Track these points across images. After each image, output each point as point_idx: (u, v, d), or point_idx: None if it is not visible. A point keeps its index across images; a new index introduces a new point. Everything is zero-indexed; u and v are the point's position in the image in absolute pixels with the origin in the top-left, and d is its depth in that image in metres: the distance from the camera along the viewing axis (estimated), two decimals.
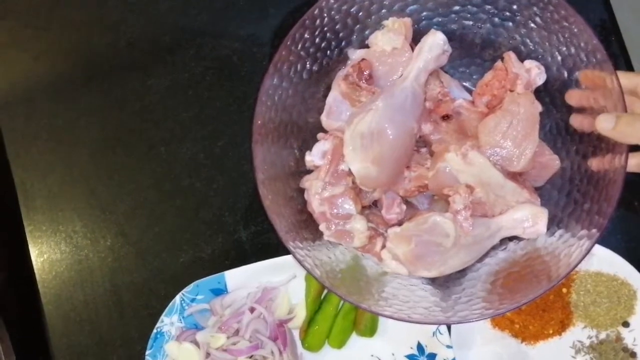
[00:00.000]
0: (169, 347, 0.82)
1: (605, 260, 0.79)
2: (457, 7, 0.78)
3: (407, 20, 0.78)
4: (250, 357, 0.80)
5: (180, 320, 0.83)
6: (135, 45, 0.95)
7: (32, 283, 0.92)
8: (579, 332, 0.80)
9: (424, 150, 0.80)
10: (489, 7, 0.76)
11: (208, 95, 0.94)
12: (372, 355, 0.82)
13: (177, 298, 0.83)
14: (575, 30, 0.70)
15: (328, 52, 0.79)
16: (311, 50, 0.78)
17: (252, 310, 0.82)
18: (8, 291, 0.93)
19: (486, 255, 0.76)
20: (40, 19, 0.97)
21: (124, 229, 0.91)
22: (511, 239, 0.76)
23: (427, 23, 0.80)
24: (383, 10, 0.78)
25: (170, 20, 0.96)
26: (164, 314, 0.83)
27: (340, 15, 0.77)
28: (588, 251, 0.66)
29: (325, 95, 0.80)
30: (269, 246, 0.86)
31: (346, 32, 0.79)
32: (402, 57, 0.79)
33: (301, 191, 0.78)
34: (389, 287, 0.74)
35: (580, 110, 0.73)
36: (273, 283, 0.83)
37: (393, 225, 0.76)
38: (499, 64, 0.78)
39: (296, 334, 0.83)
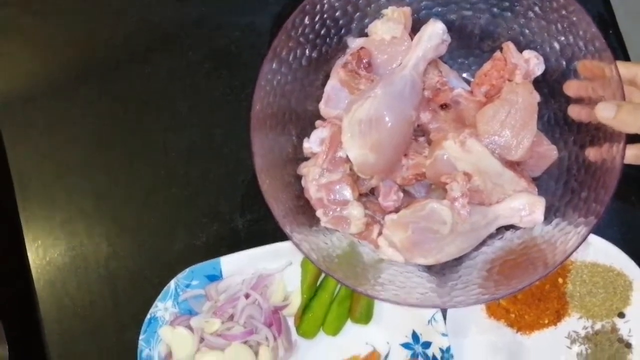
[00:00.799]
0: (163, 332, 0.81)
1: (602, 251, 0.79)
2: None
3: (407, 10, 0.79)
4: (245, 342, 0.80)
5: (174, 305, 0.83)
6: (134, 35, 0.95)
7: (25, 269, 0.91)
8: (574, 323, 0.80)
9: (422, 139, 0.80)
10: None
11: (206, 85, 0.94)
12: (366, 343, 0.82)
13: (172, 283, 0.83)
14: (574, 19, 0.70)
15: (327, 39, 0.79)
16: (310, 36, 0.78)
17: (247, 296, 0.81)
18: (1, 277, 0.92)
19: (483, 243, 0.76)
20: (37, 4, 0.97)
21: (118, 215, 0.90)
22: (508, 227, 0.76)
23: (427, 13, 0.80)
24: None
25: (169, 9, 0.96)
26: (158, 299, 0.83)
27: (340, 2, 0.77)
28: (584, 238, 0.66)
29: (324, 84, 0.80)
30: (265, 234, 0.86)
31: (346, 20, 0.79)
32: (401, 46, 0.79)
33: (299, 178, 0.78)
34: (386, 273, 0.73)
35: (579, 100, 0.73)
36: (269, 270, 0.83)
37: (390, 212, 0.76)
38: (497, 54, 0.78)
39: (291, 321, 0.83)
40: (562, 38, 0.73)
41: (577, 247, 0.67)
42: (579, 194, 0.72)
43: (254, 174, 0.72)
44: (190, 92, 0.93)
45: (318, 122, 0.80)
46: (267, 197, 0.72)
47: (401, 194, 0.77)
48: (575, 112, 0.74)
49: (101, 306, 0.88)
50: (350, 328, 0.83)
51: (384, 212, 0.77)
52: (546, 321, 0.79)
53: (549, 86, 0.77)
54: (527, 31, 0.77)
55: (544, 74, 0.76)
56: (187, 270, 0.83)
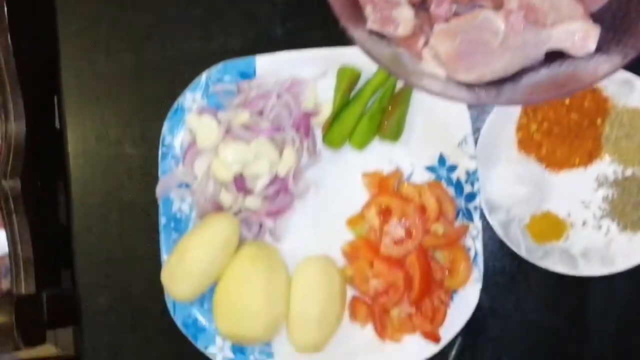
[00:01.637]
0: (189, 118, 0.80)
1: None
2: None
3: None
4: (271, 139, 0.79)
5: (203, 97, 0.82)
6: None
7: None
8: (605, 167, 0.79)
9: None
10: None
11: None
12: (391, 162, 0.81)
13: (203, 75, 0.81)
14: None
15: None
16: None
17: (278, 97, 0.80)
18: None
19: (528, 69, 0.74)
20: None
21: None
22: (555, 59, 0.74)
23: None
24: None
25: None
26: (187, 89, 0.81)
27: None
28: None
29: None
30: (303, 45, 0.83)
31: None
32: None
33: None
34: None
35: None
36: (303, 77, 0.81)
37: (440, 22, 0.73)
38: None
39: (318, 132, 0.82)
40: None
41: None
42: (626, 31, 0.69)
43: None
44: None
45: None
46: None
47: (454, 6, 0.75)
48: None
49: (127, 98, 0.87)
50: (377, 146, 0.82)
51: (432, 24, 0.75)
52: (577, 161, 0.78)
53: None
54: None
55: None
56: (221, 64, 0.81)
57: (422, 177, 0.80)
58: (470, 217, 0.77)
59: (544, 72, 0.75)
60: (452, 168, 0.79)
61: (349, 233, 0.81)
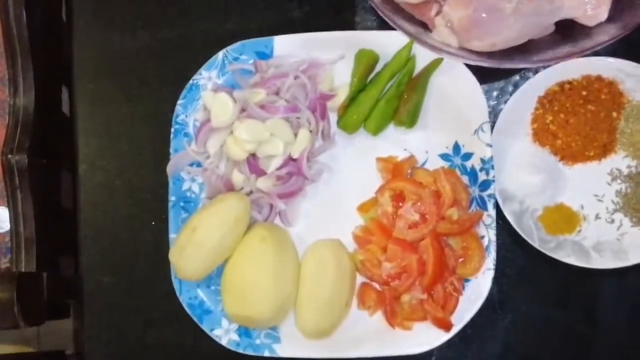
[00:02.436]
0: (205, 95, 0.80)
1: None
2: None
3: None
4: (286, 120, 0.78)
5: (218, 76, 0.81)
6: None
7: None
8: (619, 160, 0.79)
9: None
10: None
11: None
12: (405, 149, 0.81)
13: (220, 54, 0.81)
14: None
15: None
16: None
17: (295, 78, 0.79)
18: None
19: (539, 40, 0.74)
20: None
21: None
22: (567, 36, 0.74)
23: None
24: None
25: None
26: (203, 67, 0.81)
27: None
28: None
29: None
30: (320, 29, 0.83)
31: None
32: None
33: None
34: None
35: None
36: (321, 59, 0.81)
37: None
38: None
39: (333, 116, 0.82)
40: None
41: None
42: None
43: None
44: None
45: None
46: None
47: None
48: None
49: (139, 72, 0.87)
50: (391, 133, 0.81)
51: None
52: (592, 154, 0.78)
53: None
54: None
55: None
56: (238, 43, 0.81)
57: (435, 164, 0.80)
58: (484, 205, 0.77)
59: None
60: (467, 156, 0.78)
61: (359, 219, 0.81)
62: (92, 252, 0.85)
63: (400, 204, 0.77)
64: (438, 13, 0.72)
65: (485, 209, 0.77)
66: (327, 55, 0.81)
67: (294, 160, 0.79)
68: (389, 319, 0.76)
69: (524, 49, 0.73)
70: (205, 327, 0.79)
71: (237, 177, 0.79)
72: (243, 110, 0.78)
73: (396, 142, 0.81)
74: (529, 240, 0.77)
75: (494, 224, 0.76)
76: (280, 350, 0.78)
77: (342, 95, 0.81)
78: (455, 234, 0.76)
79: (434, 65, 0.78)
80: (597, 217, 0.79)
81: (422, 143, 0.81)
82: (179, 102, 0.81)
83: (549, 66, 0.77)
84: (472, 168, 0.78)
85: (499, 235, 0.77)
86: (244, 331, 0.79)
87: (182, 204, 0.81)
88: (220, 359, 0.80)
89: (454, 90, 0.79)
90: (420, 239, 0.75)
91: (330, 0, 0.85)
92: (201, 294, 0.80)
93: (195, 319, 0.79)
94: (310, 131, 0.79)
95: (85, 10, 0.89)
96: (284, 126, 0.77)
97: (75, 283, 0.86)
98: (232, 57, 0.81)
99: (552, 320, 0.80)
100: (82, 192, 0.86)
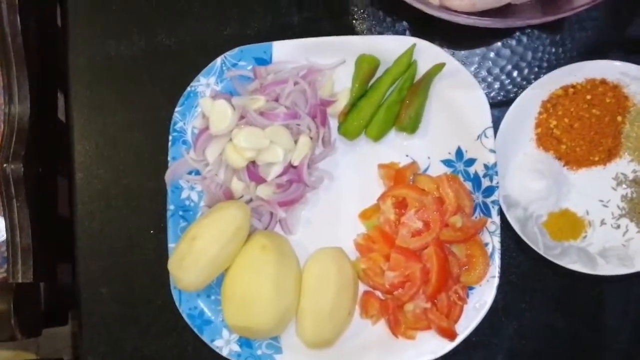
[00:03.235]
0: (203, 102, 0.78)
1: None
2: None
3: None
4: (286, 126, 0.77)
5: (217, 82, 0.80)
6: None
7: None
8: (624, 165, 0.78)
9: None
10: None
11: None
12: (407, 155, 0.80)
13: (219, 60, 0.80)
14: None
15: None
16: None
17: (295, 84, 0.78)
18: None
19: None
20: None
21: None
22: None
23: None
24: None
25: None
26: (201, 73, 0.80)
27: None
28: None
29: None
30: (319, 34, 0.82)
31: None
32: None
33: None
34: None
35: None
36: (321, 64, 0.80)
37: None
38: None
39: (334, 122, 0.80)
40: None
41: None
42: None
43: None
44: None
45: None
46: None
47: None
48: None
49: (135, 82, 0.85)
50: (393, 139, 0.80)
51: None
52: (596, 159, 0.77)
53: None
54: None
55: None
56: (237, 49, 0.80)
57: (438, 170, 0.79)
58: (488, 212, 0.76)
59: None
60: (470, 162, 0.77)
61: (361, 226, 0.80)
62: (90, 263, 0.84)
63: (403, 211, 0.76)
64: None
65: (489, 215, 0.75)
66: (327, 61, 0.80)
67: (295, 167, 0.78)
68: (393, 328, 0.75)
69: (505, 13, 0.72)
70: (205, 338, 0.78)
71: (237, 185, 0.78)
72: (242, 117, 0.77)
73: (398, 148, 0.80)
74: (534, 247, 0.76)
75: (498, 231, 0.75)
76: None
77: (342, 101, 0.80)
78: (459, 242, 0.75)
79: (435, 70, 0.77)
80: (602, 222, 0.78)
81: (424, 149, 0.80)
82: (177, 109, 0.80)
83: (530, 26, 0.76)
84: (476, 174, 0.77)
85: (503, 242, 0.76)
86: (245, 342, 0.77)
87: (181, 212, 0.80)
88: None
89: (456, 95, 0.78)
90: (424, 247, 0.74)
91: (329, 5, 0.84)
92: (201, 304, 0.78)
93: (195, 329, 0.78)
94: (311, 138, 0.77)
95: (81, 17, 0.87)
96: (283, 133, 0.76)
97: (73, 292, 0.85)
98: (231, 63, 0.80)
99: (557, 328, 0.79)
100: (78, 201, 0.85)
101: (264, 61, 0.80)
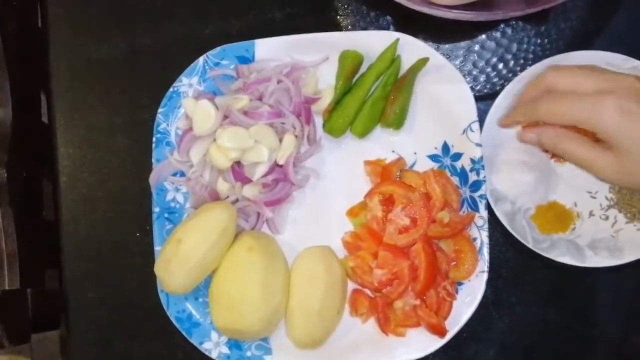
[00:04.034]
0: (186, 102, 0.77)
1: None
2: None
3: None
4: (271, 126, 0.76)
5: (199, 82, 0.79)
6: None
7: None
8: None
9: None
10: None
11: None
12: (393, 151, 0.79)
13: (201, 59, 0.79)
14: None
15: None
16: None
17: (278, 82, 0.77)
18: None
19: None
20: None
21: None
22: None
23: None
24: None
25: None
26: (183, 74, 0.79)
27: None
28: None
29: None
30: (302, 31, 0.81)
31: None
32: None
33: None
34: None
35: None
36: (304, 62, 0.79)
37: None
38: None
39: (318, 120, 0.80)
40: None
41: None
42: None
43: None
44: None
45: None
46: None
47: None
48: None
49: (119, 81, 0.84)
50: (379, 135, 0.79)
51: None
52: None
53: None
54: None
55: None
56: (219, 48, 0.79)
57: (425, 166, 0.78)
58: (475, 206, 0.75)
59: None
60: (456, 156, 0.77)
61: (348, 224, 0.79)
62: (76, 267, 0.83)
63: (390, 208, 0.75)
64: None
65: (477, 210, 0.75)
66: (310, 58, 0.79)
67: (280, 166, 0.77)
68: (382, 326, 0.75)
69: (488, 6, 0.71)
70: (194, 341, 0.77)
71: (222, 186, 0.77)
72: (226, 117, 0.76)
73: (384, 145, 0.79)
74: (523, 241, 0.75)
75: (486, 225, 0.75)
76: None
77: (327, 98, 0.79)
78: (447, 237, 0.74)
79: (419, 64, 0.77)
80: (591, 214, 0.77)
81: (410, 144, 0.79)
82: (159, 110, 0.79)
83: (514, 18, 0.76)
84: (462, 169, 0.76)
85: (491, 236, 0.76)
86: (234, 344, 0.77)
87: (166, 214, 0.79)
88: None
89: (441, 89, 0.77)
90: (412, 244, 0.73)
91: (311, 3, 0.83)
92: (189, 307, 0.78)
93: (183, 332, 0.77)
94: (296, 136, 0.77)
95: (61, 18, 0.86)
96: (268, 132, 0.75)
97: (61, 297, 0.84)
98: (213, 63, 0.79)
99: (548, 320, 0.79)
100: (63, 206, 0.84)
101: (246, 59, 0.79)
